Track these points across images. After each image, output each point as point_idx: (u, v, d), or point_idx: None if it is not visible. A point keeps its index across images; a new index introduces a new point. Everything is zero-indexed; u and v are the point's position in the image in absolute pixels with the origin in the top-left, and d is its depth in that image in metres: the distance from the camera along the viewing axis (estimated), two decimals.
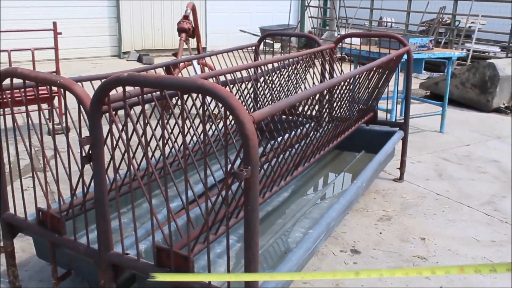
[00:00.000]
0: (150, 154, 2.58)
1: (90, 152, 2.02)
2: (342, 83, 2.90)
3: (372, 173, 3.22)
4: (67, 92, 2.16)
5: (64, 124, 2.27)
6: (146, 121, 1.99)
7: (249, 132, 1.58)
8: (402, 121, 4.12)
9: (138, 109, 2.37)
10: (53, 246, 2.41)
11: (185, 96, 3.13)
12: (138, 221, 2.82)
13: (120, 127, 2.10)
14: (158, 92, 2.25)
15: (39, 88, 2.28)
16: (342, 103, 3.11)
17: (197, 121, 4.18)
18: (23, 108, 2.40)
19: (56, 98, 5.35)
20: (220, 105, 1.66)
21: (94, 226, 2.57)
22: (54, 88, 2.26)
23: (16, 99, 4.62)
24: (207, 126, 3.26)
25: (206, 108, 2.08)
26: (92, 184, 2.11)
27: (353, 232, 3.31)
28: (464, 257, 3.07)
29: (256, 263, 1.73)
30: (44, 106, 5.12)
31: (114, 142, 2.13)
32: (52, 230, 2.38)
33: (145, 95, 2.29)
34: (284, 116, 3.13)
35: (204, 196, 2.68)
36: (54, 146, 2.31)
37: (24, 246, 3.08)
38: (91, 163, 2.03)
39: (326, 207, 3.03)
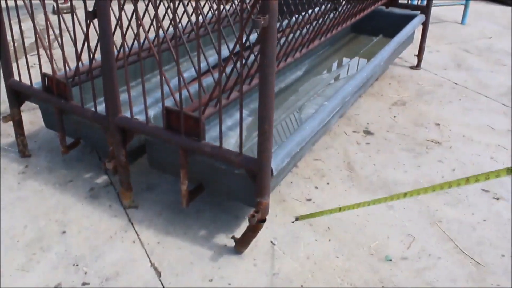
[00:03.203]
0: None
1: (95, 8, 1.88)
2: None
3: (390, 53, 3.07)
4: None
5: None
6: None
7: None
8: (425, 4, 3.89)
9: None
10: (60, 113, 2.36)
11: None
12: (148, 93, 2.74)
13: None
14: None
15: None
16: None
17: None
18: None
19: None
20: None
21: (101, 100, 2.51)
22: None
23: None
24: (227, 6, 3.09)
25: None
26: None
27: (367, 115, 3.24)
28: (478, 144, 3.00)
29: (270, 121, 1.65)
30: None
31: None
32: (58, 96, 2.31)
33: None
34: None
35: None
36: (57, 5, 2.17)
37: (32, 119, 3.04)
38: (97, 19, 1.90)
39: (341, 86, 2.92)
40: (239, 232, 2.13)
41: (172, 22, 1.80)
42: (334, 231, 2.21)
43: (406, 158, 2.80)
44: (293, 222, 2.22)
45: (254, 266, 1.99)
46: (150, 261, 2.00)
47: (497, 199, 2.50)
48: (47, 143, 2.78)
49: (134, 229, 2.17)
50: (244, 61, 1.78)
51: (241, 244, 2.01)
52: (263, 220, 1.87)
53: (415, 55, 4.09)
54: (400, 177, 2.63)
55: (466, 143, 3.01)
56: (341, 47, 3.93)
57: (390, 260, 2.07)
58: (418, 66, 4.09)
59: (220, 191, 2.05)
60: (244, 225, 2.20)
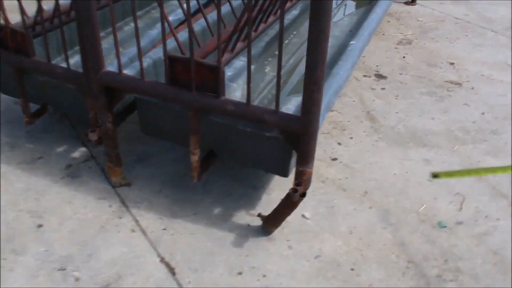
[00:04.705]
0: None
1: None
2: None
3: None
4: None
5: None
6: None
7: None
8: None
9: None
10: (19, 73, 1.85)
11: None
12: (128, 45, 2.26)
13: None
14: None
15: None
16: None
17: None
18: None
19: None
20: None
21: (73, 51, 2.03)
22: None
23: None
24: None
25: None
26: None
27: (373, 56, 2.85)
28: (500, 83, 2.69)
29: (323, 66, 1.23)
30: None
31: None
32: (16, 52, 1.79)
33: None
34: None
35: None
36: None
37: None
38: None
39: (347, 25, 2.50)
40: (261, 207, 1.75)
41: None
42: (373, 196, 1.85)
43: (429, 103, 2.45)
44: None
45: (289, 249, 1.61)
46: (159, 255, 1.59)
47: None
48: (4, 114, 2.26)
49: (131, 214, 1.73)
50: None
51: (272, 223, 1.61)
52: (304, 194, 1.48)
53: None
54: (428, 125, 2.28)
55: (487, 82, 2.68)
56: None
57: (445, 226, 1.74)
58: (413, 1, 3.70)
59: (240, 159, 1.62)
60: (266, 197, 1.81)
